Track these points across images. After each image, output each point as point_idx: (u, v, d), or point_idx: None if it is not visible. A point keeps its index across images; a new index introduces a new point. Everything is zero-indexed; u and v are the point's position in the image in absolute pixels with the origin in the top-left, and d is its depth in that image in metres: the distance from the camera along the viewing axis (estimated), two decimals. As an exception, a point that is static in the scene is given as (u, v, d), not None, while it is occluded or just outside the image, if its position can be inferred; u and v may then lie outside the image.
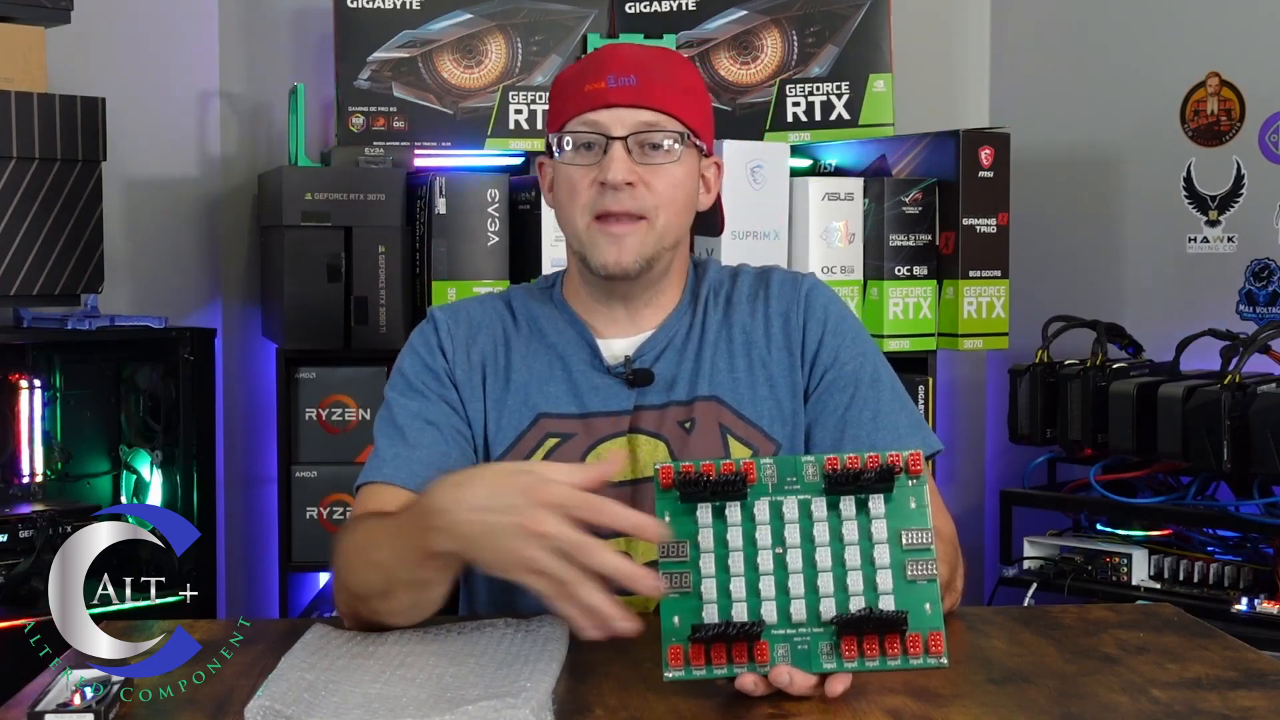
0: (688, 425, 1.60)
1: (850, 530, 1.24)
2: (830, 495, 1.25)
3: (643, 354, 1.64)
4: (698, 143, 1.62)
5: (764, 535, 1.24)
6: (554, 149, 1.62)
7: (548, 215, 2.64)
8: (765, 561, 1.23)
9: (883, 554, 1.23)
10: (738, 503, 1.25)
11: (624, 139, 1.56)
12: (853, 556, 1.23)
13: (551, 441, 1.61)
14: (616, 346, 1.65)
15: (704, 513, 1.25)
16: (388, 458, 1.58)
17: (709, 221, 1.77)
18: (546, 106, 2.98)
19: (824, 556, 1.23)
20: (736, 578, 1.23)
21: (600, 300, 1.65)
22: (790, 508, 1.25)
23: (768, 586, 1.23)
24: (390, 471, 1.56)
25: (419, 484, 1.54)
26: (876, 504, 1.25)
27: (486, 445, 1.62)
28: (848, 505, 1.25)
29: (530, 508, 1.22)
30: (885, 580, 1.22)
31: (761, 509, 1.25)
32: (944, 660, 1.21)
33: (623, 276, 1.59)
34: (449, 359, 1.64)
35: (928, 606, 1.21)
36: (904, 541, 1.23)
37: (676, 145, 1.58)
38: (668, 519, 1.25)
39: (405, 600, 1.39)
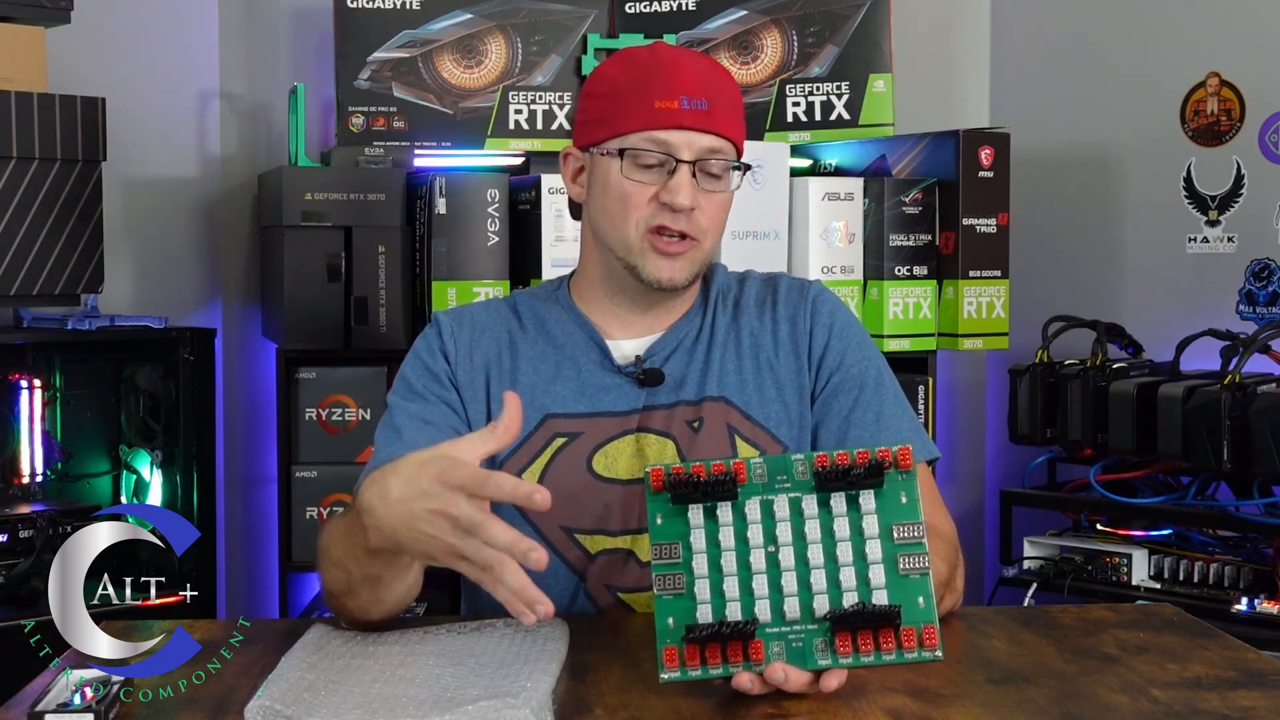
0: (696, 425, 1.62)
1: (841, 526, 1.24)
2: (821, 492, 1.25)
3: (653, 354, 1.65)
4: (741, 164, 1.64)
5: (756, 534, 1.25)
6: (607, 153, 1.60)
7: (548, 215, 2.63)
8: (758, 560, 1.24)
9: (874, 549, 1.23)
10: (729, 503, 1.25)
11: (691, 163, 1.58)
12: (845, 552, 1.24)
13: (559, 441, 1.62)
14: (626, 347, 1.67)
15: (695, 514, 1.26)
16: (384, 460, 1.58)
17: None
18: (547, 107, 2.98)
19: (816, 553, 1.24)
20: (729, 577, 1.23)
21: (623, 305, 1.67)
22: (781, 506, 1.25)
23: (761, 585, 1.23)
24: None
25: None
26: (867, 499, 1.25)
27: None
28: (838, 502, 1.25)
29: (442, 493, 1.22)
30: (878, 575, 1.23)
31: (752, 508, 1.25)
32: (938, 653, 1.21)
33: (672, 290, 1.62)
34: (451, 362, 1.66)
35: (921, 600, 1.22)
36: (895, 536, 1.24)
37: (729, 173, 1.61)
38: (659, 521, 1.25)
39: (366, 596, 1.41)
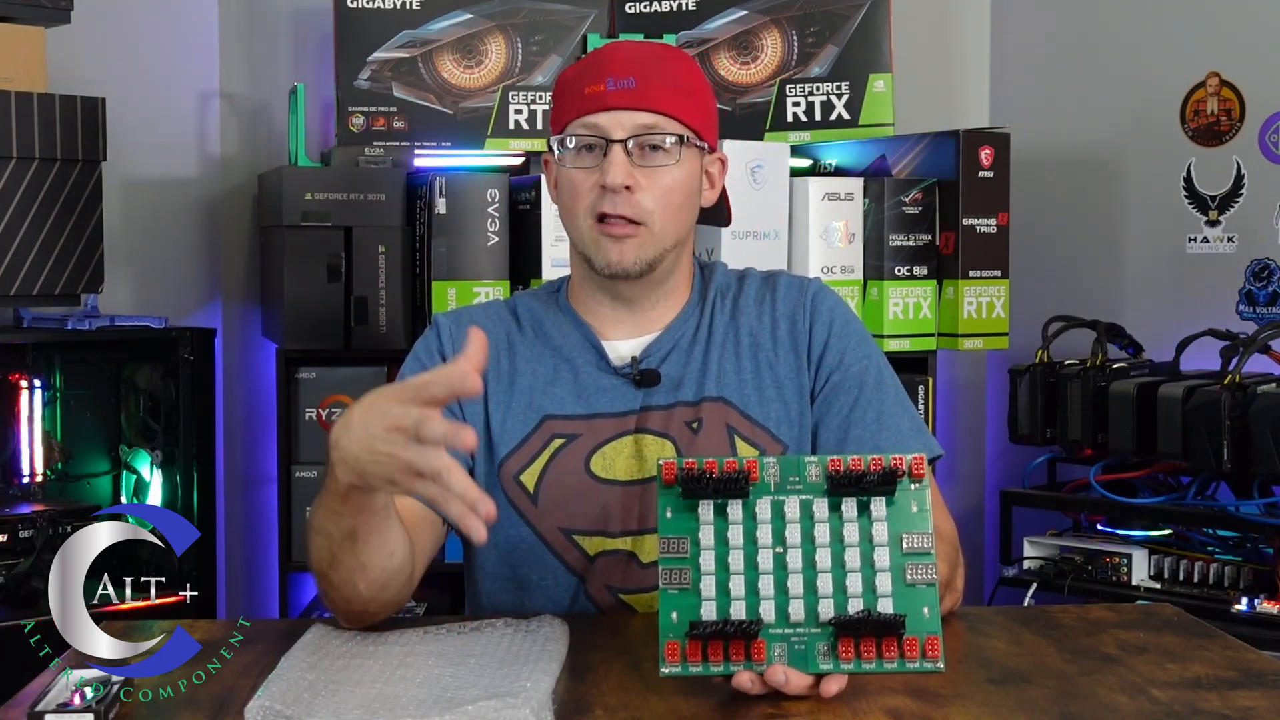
0: (695, 425, 1.61)
1: (851, 532, 1.24)
2: (832, 496, 1.25)
3: (649, 354, 1.65)
4: (698, 142, 1.62)
5: (765, 534, 1.24)
6: (556, 150, 1.63)
7: (548, 215, 2.64)
8: (765, 560, 1.24)
9: (883, 557, 1.23)
10: (740, 501, 1.25)
11: (623, 142, 1.57)
12: (853, 558, 1.23)
13: (557, 442, 1.62)
14: (622, 348, 1.66)
15: (705, 510, 1.25)
16: None
17: (716, 213, 1.78)
18: (547, 107, 2.98)
19: (824, 557, 1.24)
20: (736, 576, 1.23)
21: (605, 303, 1.66)
22: (792, 507, 1.25)
23: (767, 586, 1.23)
24: None
25: None
26: (878, 506, 1.25)
27: (492, 447, 1.63)
28: (849, 507, 1.25)
29: (395, 408, 1.24)
30: (884, 583, 1.22)
31: (763, 508, 1.25)
32: (940, 665, 1.21)
33: (624, 276, 1.60)
34: (448, 363, 1.65)
35: (926, 610, 1.22)
36: (904, 545, 1.24)
37: (676, 147, 1.59)
38: (669, 515, 1.25)
39: (348, 562, 1.41)
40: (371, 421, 1.26)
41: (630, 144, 1.57)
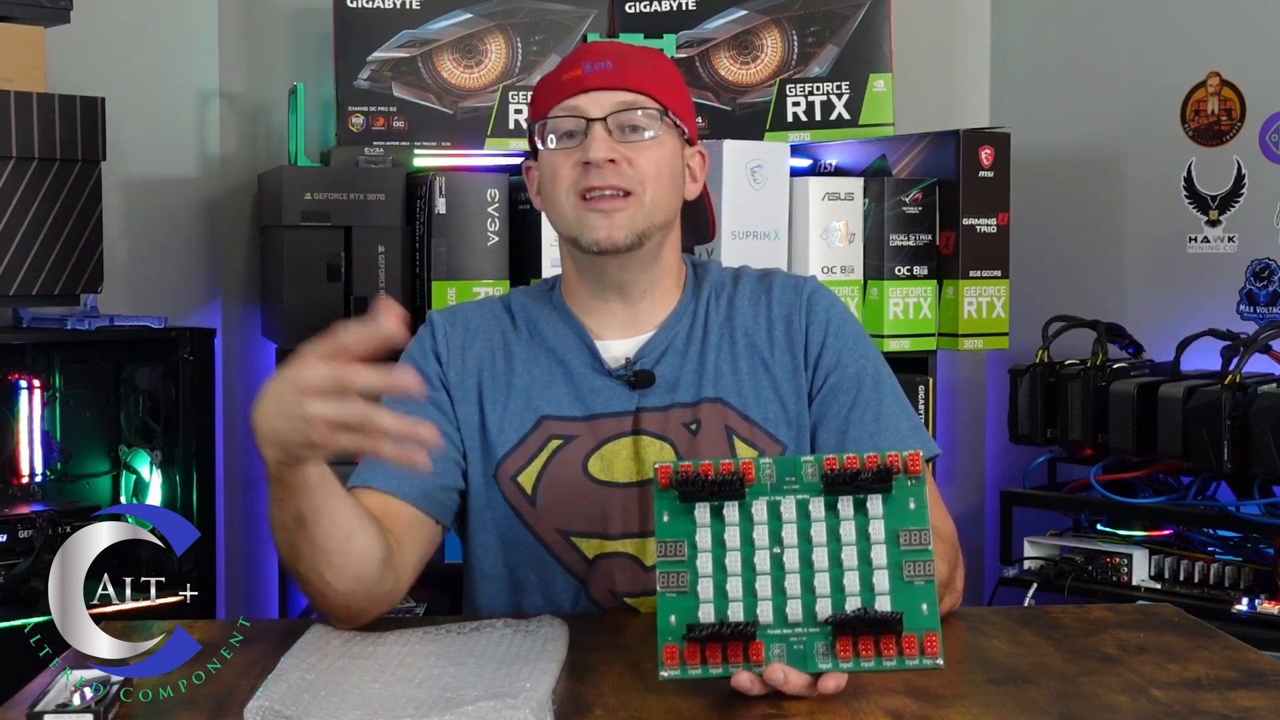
0: (693, 427, 1.61)
1: (848, 530, 1.24)
2: (829, 495, 1.25)
3: (643, 355, 1.64)
4: (679, 124, 1.63)
5: (761, 535, 1.24)
6: (538, 142, 1.63)
7: (548, 215, 2.64)
8: (762, 561, 1.24)
9: (880, 554, 1.23)
10: (736, 502, 1.25)
11: (603, 120, 1.58)
12: (850, 557, 1.23)
13: (555, 443, 1.61)
14: (616, 349, 1.65)
15: (702, 512, 1.25)
16: (371, 460, 1.58)
17: (700, 226, 1.77)
18: (546, 106, 2.98)
19: (821, 557, 1.23)
20: (733, 577, 1.23)
21: (597, 295, 1.65)
22: (788, 507, 1.25)
23: (764, 586, 1.23)
24: (367, 476, 1.58)
25: (394, 487, 1.56)
26: (875, 504, 1.25)
27: (489, 448, 1.62)
28: (846, 505, 1.25)
29: (302, 368, 1.26)
30: (882, 580, 1.22)
31: (760, 509, 1.25)
32: (939, 661, 1.21)
33: (614, 251, 1.59)
34: (443, 363, 1.66)
35: (924, 607, 1.21)
36: (902, 542, 1.23)
37: (656, 122, 1.60)
38: (666, 518, 1.25)
39: (306, 549, 1.42)
40: (283, 391, 1.27)
41: (610, 122, 1.58)
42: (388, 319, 1.26)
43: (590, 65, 1.60)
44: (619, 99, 1.59)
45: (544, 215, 1.68)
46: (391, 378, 1.26)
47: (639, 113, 1.59)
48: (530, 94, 2.97)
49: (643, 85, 1.60)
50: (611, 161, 1.56)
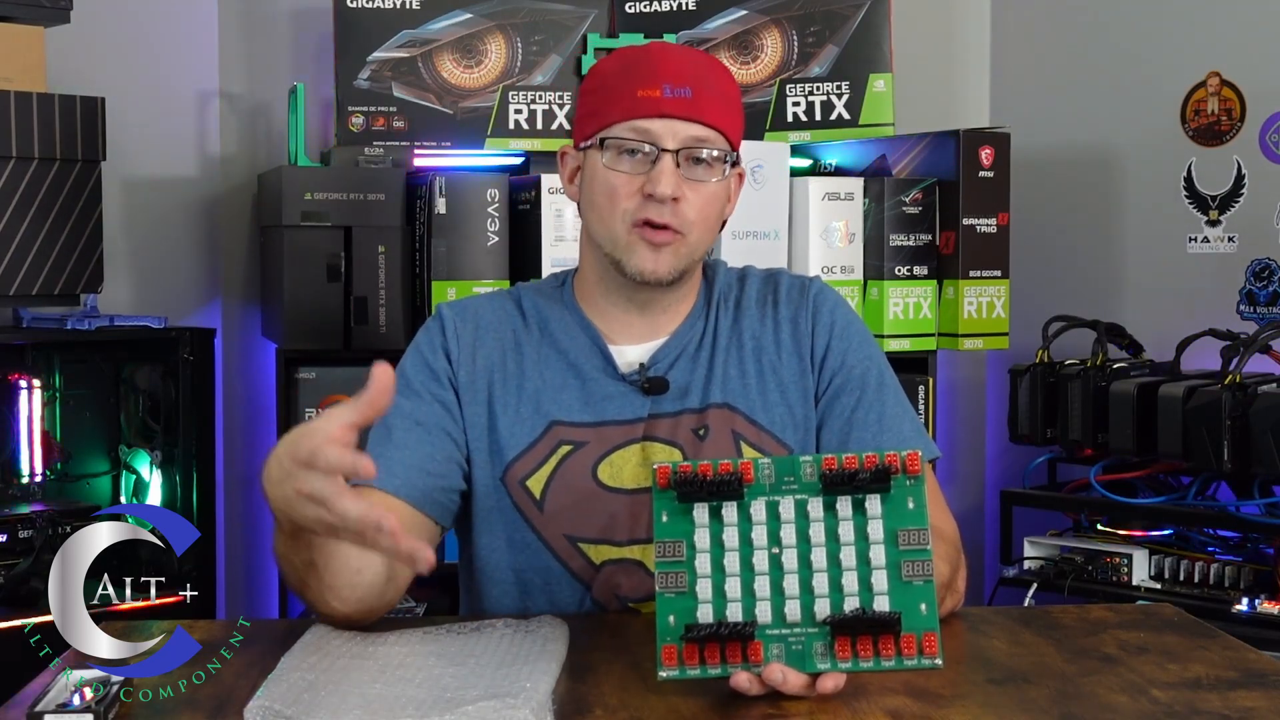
0: (701, 432, 1.61)
1: (846, 530, 1.24)
2: (827, 495, 1.25)
3: (657, 361, 1.63)
4: (735, 161, 1.62)
5: (760, 535, 1.24)
6: (592, 146, 1.59)
7: (548, 215, 2.63)
8: (761, 562, 1.23)
9: (878, 554, 1.23)
10: (734, 503, 1.25)
11: (675, 152, 1.56)
12: (848, 557, 1.23)
13: (565, 449, 1.60)
14: (630, 354, 1.64)
15: (700, 513, 1.25)
16: (375, 458, 1.57)
17: None
18: (547, 106, 2.98)
19: (820, 557, 1.23)
20: (732, 578, 1.23)
21: (618, 305, 1.64)
22: (787, 508, 1.25)
23: (763, 587, 1.23)
24: None
25: (398, 486, 1.54)
26: (873, 504, 1.25)
27: (498, 450, 1.62)
28: (844, 505, 1.25)
29: (296, 471, 1.22)
30: (880, 580, 1.22)
31: (758, 509, 1.25)
32: (938, 661, 1.21)
33: (656, 284, 1.59)
34: (452, 361, 1.64)
35: (923, 607, 1.21)
36: (900, 542, 1.23)
37: (720, 164, 1.58)
38: (665, 518, 1.25)
39: (315, 585, 1.41)
40: (283, 479, 1.24)
41: (680, 155, 1.56)
42: (379, 390, 1.25)
43: (670, 90, 1.55)
44: (693, 134, 1.56)
45: (579, 208, 1.65)
46: (357, 461, 1.21)
47: (708, 151, 1.57)
48: (531, 93, 3.00)
49: (716, 120, 1.57)
50: (674, 199, 1.55)
